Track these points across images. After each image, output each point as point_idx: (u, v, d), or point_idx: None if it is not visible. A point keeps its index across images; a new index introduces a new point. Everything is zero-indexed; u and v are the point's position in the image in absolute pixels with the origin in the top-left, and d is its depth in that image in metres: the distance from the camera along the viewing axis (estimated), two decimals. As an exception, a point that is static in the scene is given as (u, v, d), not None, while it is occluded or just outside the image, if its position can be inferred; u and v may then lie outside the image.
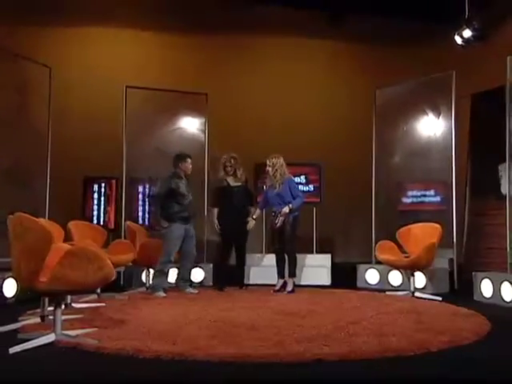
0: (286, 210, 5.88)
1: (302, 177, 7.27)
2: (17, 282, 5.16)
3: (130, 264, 6.11)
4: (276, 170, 5.98)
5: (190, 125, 7.67)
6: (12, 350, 3.11)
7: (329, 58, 8.92)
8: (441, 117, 6.93)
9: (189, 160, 6.00)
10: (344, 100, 8.74)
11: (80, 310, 4.47)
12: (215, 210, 6.23)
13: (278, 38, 8.85)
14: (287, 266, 6.03)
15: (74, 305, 4.64)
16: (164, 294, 5.59)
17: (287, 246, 5.97)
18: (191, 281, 6.20)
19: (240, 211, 6.15)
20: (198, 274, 6.64)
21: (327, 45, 8.99)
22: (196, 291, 5.85)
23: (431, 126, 7.12)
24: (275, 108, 8.59)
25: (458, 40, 7.47)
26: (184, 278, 5.97)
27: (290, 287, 5.95)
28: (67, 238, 5.21)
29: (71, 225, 5.32)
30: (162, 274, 5.73)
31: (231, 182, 6.17)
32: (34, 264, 3.17)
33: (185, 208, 5.82)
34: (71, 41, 8.31)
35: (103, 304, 4.88)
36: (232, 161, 6.23)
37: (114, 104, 7.61)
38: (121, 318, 4.16)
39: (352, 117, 8.43)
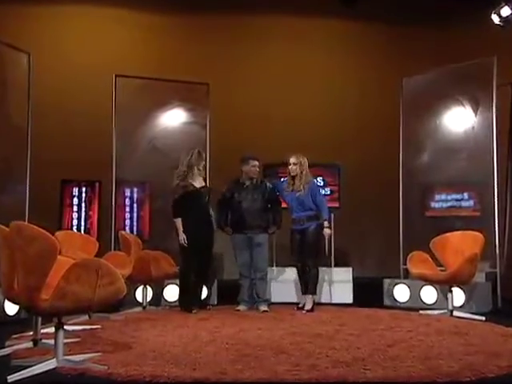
0: (328, 231, 6.13)
1: (319, 179, 7.39)
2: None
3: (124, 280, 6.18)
4: (302, 170, 6.15)
5: (187, 119, 7.74)
6: (11, 379, 3.18)
7: (345, 43, 9.10)
8: (479, 110, 7.05)
9: (251, 162, 6.32)
10: (362, 91, 8.90)
11: (74, 333, 4.55)
12: (179, 221, 6.12)
13: (286, 19, 9.02)
14: (307, 282, 6.16)
15: (65, 327, 4.69)
16: (243, 308, 6.21)
17: (309, 259, 6.10)
18: (258, 297, 6.31)
19: (208, 217, 6.23)
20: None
21: (341, 27, 9.16)
22: (267, 308, 6.15)
23: (465, 120, 7.22)
24: (282, 100, 8.73)
25: (496, 19, 7.63)
26: (257, 293, 6.29)
27: (309, 305, 6.08)
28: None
29: (59, 235, 5.38)
30: (240, 286, 6.35)
31: (197, 183, 6.22)
32: (36, 280, 3.25)
33: (240, 216, 6.22)
34: (45, 21, 8.36)
35: (99, 326, 4.96)
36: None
37: (96, 96, 7.74)
38: (124, 341, 4.25)
39: (372, 110, 8.58)
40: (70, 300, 3.28)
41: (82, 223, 8.26)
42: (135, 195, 8.08)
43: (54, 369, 3.39)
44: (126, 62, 8.14)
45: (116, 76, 7.11)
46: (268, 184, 6.47)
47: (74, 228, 8.20)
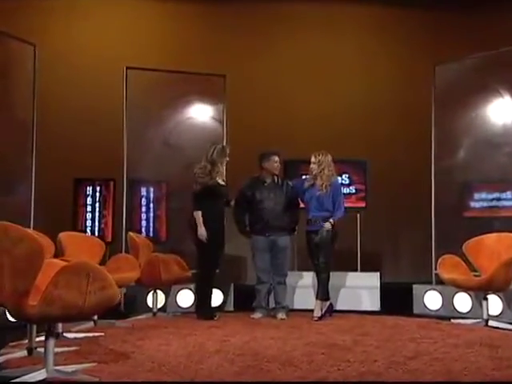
0: (328, 226, 5.97)
1: (345, 176, 7.27)
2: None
3: (133, 284, 6.19)
4: (323, 168, 6.06)
5: (204, 114, 7.71)
6: (-3, 389, 3.17)
7: (375, 29, 8.91)
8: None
9: (273, 158, 6.26)
10: (392, 80, 8.73)
11: (74, 341, 4.54)
12: (200, 214, 6.01)
13: (312, 5, 8.87)
14: (318, 286, 6.09)
15: (66, 335, 4.71)
16: (258, 315, 6.10)
17: (321, 263, 6.02)
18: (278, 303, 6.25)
19: (223, 217, 6.21)
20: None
21: (372, 13, 8.96)
22: (285, 316, 6.06)
23: (504, 112, 7.02)
24: (306, 93, 8.60)
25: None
26: (276, 299, 6.25)
27: (317, 312, 5.97)
28: (57, 252, 5.29)
29: (62, 236, 5.39)
30: (256, 292, 6.25)
31: (220, 180, 6.12)
32: (23, 284, 3.22)
33: (262, 216, 6.16)
34: (55, 11, 8.39)
35: (102, 333, 4.95)
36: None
37: (109, 90, 7.71)
38: (124, 351, 4.21)
39: (403, 102, 8.41)
40: (59, 306, 3.24)
41: (96, 224, 8.32)
42: (151, 195, 8.06)
43: (43, 380, 3.36)
44: (138, 53, 8.13)
45: (127, 68, 7.08)
46: (289, 183, 6.40)
47: (88, 229, 8.28)
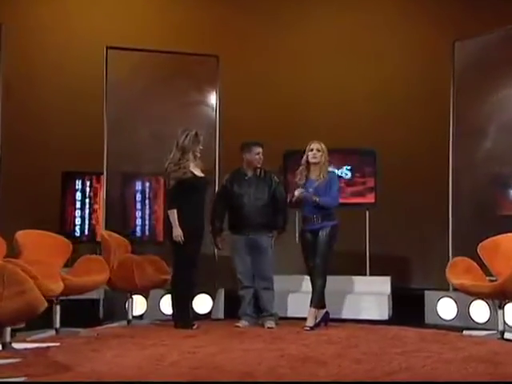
0: (309, 196, 5.80)
1: (350, 167, 7.12)
2: None
3: (107, 288, 6.15)
4: (326, 160, 5.98)
5: (195, 99, 7.60)
6: None
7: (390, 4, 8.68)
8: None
9: (255, 149, 6.19)
10: (404, 58, 8.55)
11: (21, 352, 4.44)
12: (175, 212, 5.84)
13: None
14: (312, 292, 5.92)
15: (14, 345, 4.62)
16: (244, 324, 6.00)
17: (317, 266, 5.86)
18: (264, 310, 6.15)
19: (204, 214, 6.07)
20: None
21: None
22: (273, 325, 5.95)
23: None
24: (305, 76, 8.51)
25: None
26: (262, 306, 6.13)
27: (310, 321, 5.79)
28: (13, 253, 5.23)
29: (19, 235, 5.31)
30: (240, 298, 6.17)
31: (197, 172, 5.95)
32: None
33: (240, 212, 6.08)
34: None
35: (57, 344, 4.85)
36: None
37: (93, 72, 7.67)
38: (70, 363, 4.09)
39: (417, 82, 8.26)
40: (-29, 313, 3.16)
41: (86, 221, 8.33)
42: (147, 190, 7.98)
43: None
44: (122, 32, 8.11)
45: (107, 48, 6.99)
46: (274, 177, 6.29)
47: (77, 227, 8.29)
